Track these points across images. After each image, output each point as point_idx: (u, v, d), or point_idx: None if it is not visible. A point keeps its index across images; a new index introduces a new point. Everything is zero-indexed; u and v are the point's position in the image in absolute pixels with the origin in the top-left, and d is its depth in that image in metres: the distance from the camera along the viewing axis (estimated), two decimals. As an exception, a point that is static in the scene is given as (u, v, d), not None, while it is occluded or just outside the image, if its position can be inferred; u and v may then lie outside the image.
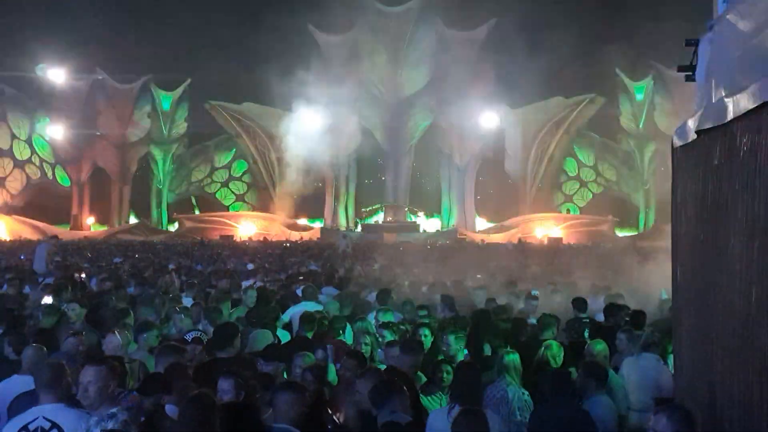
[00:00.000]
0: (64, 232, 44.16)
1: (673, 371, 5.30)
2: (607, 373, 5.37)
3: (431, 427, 4.56)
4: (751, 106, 3.26)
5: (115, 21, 42.13)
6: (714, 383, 3.87)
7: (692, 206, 4.35)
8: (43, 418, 3.90)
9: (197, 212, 51.41)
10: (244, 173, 53.04)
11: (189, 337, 5.88)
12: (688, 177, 4.45)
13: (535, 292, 9.33)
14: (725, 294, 3.68)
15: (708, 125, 3.98)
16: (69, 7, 41.35)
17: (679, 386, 4.54)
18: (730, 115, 3.59)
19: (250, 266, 17.45)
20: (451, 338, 6.05)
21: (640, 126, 49.20)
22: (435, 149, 50.01)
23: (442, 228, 47.97)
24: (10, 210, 47.25)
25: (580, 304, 8.30)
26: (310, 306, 8.42)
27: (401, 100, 46.65)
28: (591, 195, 52.09)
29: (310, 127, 45.24)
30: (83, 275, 12.32)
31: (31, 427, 3.87)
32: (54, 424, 3.87)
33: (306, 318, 6.72)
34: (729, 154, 3.69)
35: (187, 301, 8.97)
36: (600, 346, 5.91)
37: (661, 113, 47.37)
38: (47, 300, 8.62)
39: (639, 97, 49.27)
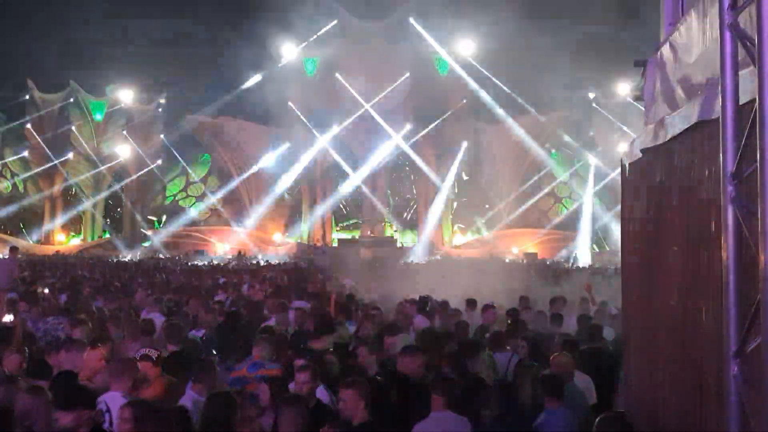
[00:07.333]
0: (34, 246, 43.56)
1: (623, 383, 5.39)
2: (563, 386, 5.28)
3: None
4: (684, 126, 3.39)
5: (89, 34, 41.79)
6: (657, 395, 3.96)
7: (638, 222, 4.48)
8: (105, 402, 4.61)
9: (170, 227, 50.92)
10: (219, 188, 52.69)
11: (138, 355, 5.64)
12: (635, 193, 4.59)
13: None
14: (665, 307, 3.79)
15: (651, 144, 4.11)
16: (44, 20, 41.11)
17: (628, 399, 4.64)
18: (669, 135, 3.72)
19: (222, 280, 17.38)
20: None
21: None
22: (412, 165, 50.20)
23: (418, 244, 48.01)
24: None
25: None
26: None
27: (379, 116, 46.76)
28: (565, 210, 52.55)
29: (288, 142, 45.34)
30: (46, 290, 12.15)
31: (98, 407, 4.56)
32: (108, 409, 4.52)
33: (263, 330, 6.73)
34: (668, 172, 3.82)
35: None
36: (565, 359, 6.01)
37: (634, 130, 47.94)
38: (8, 318, 8.44)
39: (611, 113, 49.89)
